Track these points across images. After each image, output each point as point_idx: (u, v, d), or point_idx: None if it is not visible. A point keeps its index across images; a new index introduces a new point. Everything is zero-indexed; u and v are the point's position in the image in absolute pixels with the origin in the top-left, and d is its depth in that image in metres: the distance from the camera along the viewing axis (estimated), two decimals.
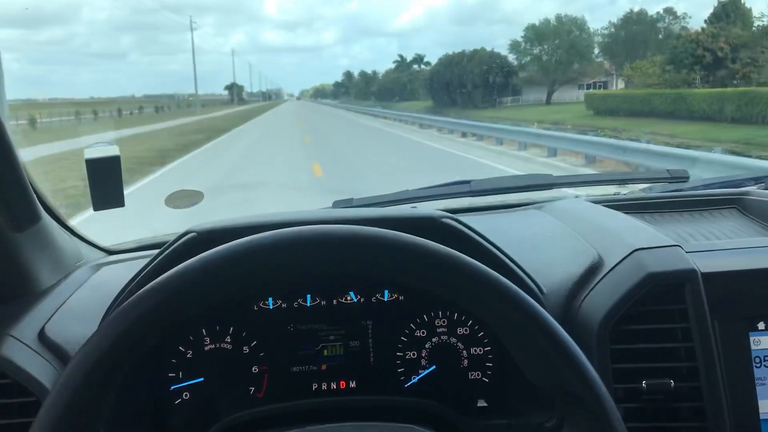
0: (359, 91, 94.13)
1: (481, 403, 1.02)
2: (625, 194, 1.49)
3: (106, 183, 1.10)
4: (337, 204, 1.41)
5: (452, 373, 1.03)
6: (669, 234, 1.06)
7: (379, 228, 0.65)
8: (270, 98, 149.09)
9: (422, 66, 75.41)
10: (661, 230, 1.08)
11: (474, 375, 1.03)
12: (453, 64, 49.42)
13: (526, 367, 0.69)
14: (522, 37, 47.89)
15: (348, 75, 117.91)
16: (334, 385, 1.02)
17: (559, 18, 47.36)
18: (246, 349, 1.01)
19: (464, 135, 19.94)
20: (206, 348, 1.00)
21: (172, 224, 1.53)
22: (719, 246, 1.02)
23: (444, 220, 0.97)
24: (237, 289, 0.63)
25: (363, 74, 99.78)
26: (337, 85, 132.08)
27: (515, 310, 0.64)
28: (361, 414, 0.94)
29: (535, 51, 47.11)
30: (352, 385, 1.02)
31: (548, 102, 44.31)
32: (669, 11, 43.65)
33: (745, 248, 1.00)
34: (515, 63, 47.58)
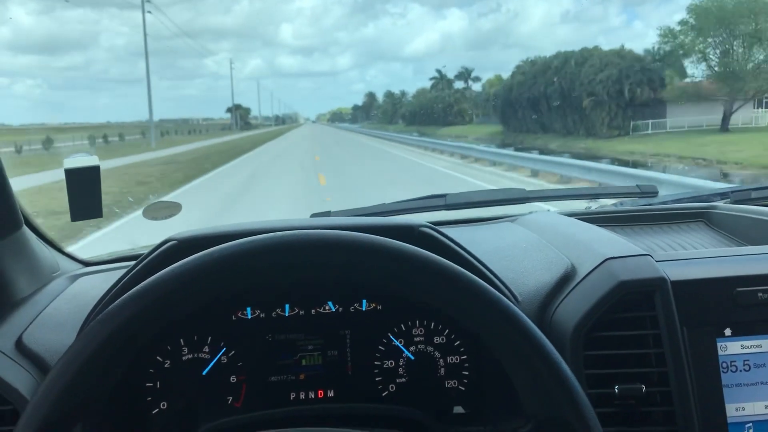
0: (386, 113, 78.02)
1: (458, 410, 1.01)
2: (596, 208, 1.52)
3: (84, 193, 1.08)
4: (315, 215, 1.37)
5: (429, 381, 1.03)
6: (639, 245, 1.05)
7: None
8: (284, 122, 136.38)
9: (470, 81, 59.11)
10: (631, 241, 1.07)
11: (450, 383, 1.03)
12: (547, 71, 32.19)
13: (507, 368, 0.69)
14: (679, 23, 28.24)
15: (371, 96, 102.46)
16: (312, 395, 1.02)
17: None
18: (224, 358, 1.00)
19: None
20: (184, 358, 0.99)
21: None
22: (687, 255, 1.01)
23: (422, 229, 0.97)
24: (216, 295, 0.63)
25: (389, 95, 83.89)
26: (356, 108, 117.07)
27: (493, 312, 0.65)
28: (339, 422, 0.96)
29: (699, 45, 27.90)
30: (330, 394, 1.02)
31: (725, 128, 26.81)
32: None
33: (711, 257, 0.99)
34: (659, 66, 30.13)
